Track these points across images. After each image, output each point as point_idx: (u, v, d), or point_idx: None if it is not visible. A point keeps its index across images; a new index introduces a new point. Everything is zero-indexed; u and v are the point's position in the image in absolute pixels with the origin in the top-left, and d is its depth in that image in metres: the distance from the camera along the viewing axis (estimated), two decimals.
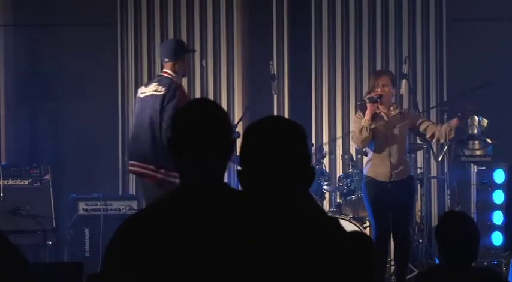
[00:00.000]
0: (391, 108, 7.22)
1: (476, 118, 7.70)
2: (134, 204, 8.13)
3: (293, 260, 2.51)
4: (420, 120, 7.18)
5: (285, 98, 9.04)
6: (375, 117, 7.14)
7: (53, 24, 9.63)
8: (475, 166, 8.16)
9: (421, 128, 7.18)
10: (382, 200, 6.87)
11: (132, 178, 8.82)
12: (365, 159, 7.36)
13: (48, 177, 8.31)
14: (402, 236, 6.84)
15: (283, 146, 2.63)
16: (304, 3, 9.18)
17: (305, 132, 2.71)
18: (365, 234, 2.67)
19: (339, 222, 2.69)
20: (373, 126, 7.09)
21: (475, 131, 7.72)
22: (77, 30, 9.53)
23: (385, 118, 7.14)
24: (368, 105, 7.12)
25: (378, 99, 7.07)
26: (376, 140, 7.07)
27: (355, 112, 9.12)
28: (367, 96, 7.16)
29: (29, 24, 9.74)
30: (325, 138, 9.07)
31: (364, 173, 7.34)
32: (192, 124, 2.58)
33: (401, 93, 8.16)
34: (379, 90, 7.11)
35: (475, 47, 8.86)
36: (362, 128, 7.08)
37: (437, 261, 4.03)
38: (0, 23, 9.82)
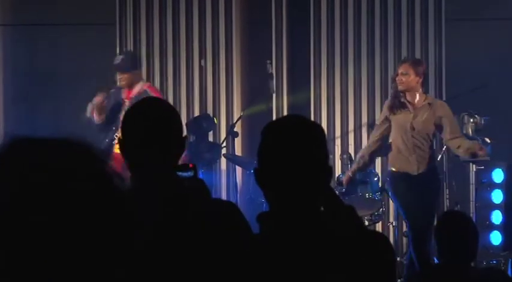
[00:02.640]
0: (418, 97, 7.02)
1: (471, 118, 7.71)
2: None
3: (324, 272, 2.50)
4: (447, 122, 6.93)
5: (284, 98, 9.10)
6: (399, 107, 6.96)
7: (52, 24, 9.65)
8: (474, 166, 8.16)
9: (444, 131, 6.97)
10: (410, 194, 6.72)
11: None
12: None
13: None
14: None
15: (302, 146, 2.61)
16: (303, 2, 9.21)
17: (324, 132, 2.72)
18: (382, 234, 2.62)
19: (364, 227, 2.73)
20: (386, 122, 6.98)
21: (470, 130, 7.73)
22: (76, 30, 9.56)
23: (411, 109, 6.96)
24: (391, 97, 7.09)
25: (400, 95, 6.94)
26: (400, 131, 6.92)
27: (354, 112, 9.17)
28: (394, 90, 7.06)
29: (27, 23, 9.76)
30: None
31: (389, 168, 7.19)
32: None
33: None
34: (397, 80, 6.97)
35: (474, 46, 8.89)
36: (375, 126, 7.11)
37: (435, 260, 4.03)
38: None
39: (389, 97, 7.14)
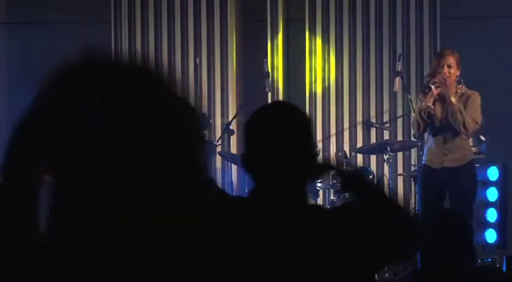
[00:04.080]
0: (457, 90, 6.95)
1: None
2: None
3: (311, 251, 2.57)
4: (468, 110, 6.80)
5: (280, 96, 9.14)
6: (437, 100, 6.85)
7: (46, 22, 9.65)
8: None
9: None
10: (433, 190, 6.66)
11: None
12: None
13: None
14: None
15: (288, 130, 2.69)
16: (298, 1, 9.24)
17: (311, 120, 2.81)
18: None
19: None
20: (431, 111, 6.76)
21: None
22: (70, 28, 9.54)
23: (446, 101, 6.86)
24: (433, 89, 6.78)
25: (442, 84, 6.77)
26: (434, 124, 6.80)
27: (349, 110, 9.14)
28: (433, 81, 6.80)
29: (22, 22, 9.74)
30: (319, 136, 9.09)
31: (422, 162, 7.06)
32: None
33: (394, 90, 8.19)
34: (444, 72, 6.80)
35: (468, 44, 8.90)
36: (420, 111, 6.76)
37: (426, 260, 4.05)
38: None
39: (430, 90, 6.86)
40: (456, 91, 6.92)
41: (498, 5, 8.99)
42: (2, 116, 9.58)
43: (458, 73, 6.92)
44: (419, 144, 7.92)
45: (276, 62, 9.10)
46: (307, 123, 2.77)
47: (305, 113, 2.88)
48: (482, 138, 7.76)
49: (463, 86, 7.03)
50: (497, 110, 8.63)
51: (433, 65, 7.11)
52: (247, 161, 2.72)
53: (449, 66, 6.86)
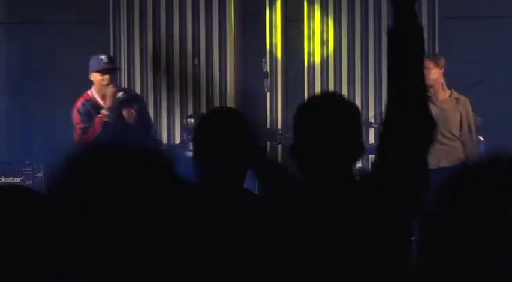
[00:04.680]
0: (443, 90, 7.16)
1: None
2: None
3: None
4: (466, 123, 7.09)
5: (278, 95, 9.24)
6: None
7: (45, 22, 9.69)
8: None
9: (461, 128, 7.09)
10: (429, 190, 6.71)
11: None
12: None
13: (40, 174, 8.38)
14: None
15: (335, 121, 2.77)
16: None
17: (357, 110, 2.86)
18: None
19: None
20: None
21: None
22: (69, 29, 9.62)
23: (436, 102, 7.03)
24: None
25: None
26: None
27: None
28: None
29: (22, 22, 9.78)
30: None
31: None
32: None
33: None
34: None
35: (467, 44, 9.00)
36: None
37: None
38: None
39: None
40: (450, 94, 7.14)
41: (496, 5, 9.10)
42: (2, 116, 9.77)
43: (439, 71, 7.15)
44: None
45: (275, 61, 9.27)
46: (354, 113, 2.82)
47: (352, 103, 2.94)
48: (481, 138, 7.81)
49: (454, 91, 7.28)
50: (497, 111, 8.75)
51: None
52: (295, 152, 2.81)
53: (425, 68, 6.93)
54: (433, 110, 6.67)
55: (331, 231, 2.73)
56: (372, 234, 2.70)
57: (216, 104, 9.37)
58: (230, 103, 9.43)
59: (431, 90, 6.94)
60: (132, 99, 7.96)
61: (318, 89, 9.33)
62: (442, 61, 7.20)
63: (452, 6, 9.21)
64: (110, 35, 9.61)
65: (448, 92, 7.16)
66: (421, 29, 2.80)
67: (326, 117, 2.79)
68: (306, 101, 2.97)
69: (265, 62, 8.55)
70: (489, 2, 9.12)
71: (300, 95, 9.02)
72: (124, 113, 7.77)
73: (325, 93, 3.28)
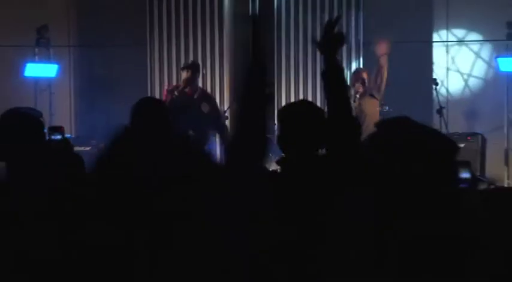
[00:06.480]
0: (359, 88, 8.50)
1: None
2: None
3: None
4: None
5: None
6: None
7: (104, 45, 10.87)
8: None
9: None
10: None
11: None
12: None
13: (102, 145, 7.65)
14: None
15: (306, 119, 3.22)
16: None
17: (323, 112, 3.21)
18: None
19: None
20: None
21: None
22: (121, 49, 10.70)
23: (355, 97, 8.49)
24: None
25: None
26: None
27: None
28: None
29: (88, 45, 11.04)
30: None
31: None
32: None
33: None
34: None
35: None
36: None
37: None
38: (67, 43, 11.06)
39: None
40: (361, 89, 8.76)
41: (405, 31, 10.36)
42: (79, 108, 10.80)
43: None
44: None
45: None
46: (320, 114, 3.22)
47: (319, 107, 3.32)
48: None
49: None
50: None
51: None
52: (280, 140, 3.25)
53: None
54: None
55: (303, 195, 2.96)
56: (331, 197, 2.89)
57: (217, 100, 10.20)
58: (226, 100, 10.73)
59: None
60: (205, 95, 8.70)
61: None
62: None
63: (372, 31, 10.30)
64: (147, 55, 10.84)
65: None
66: (342, 69, 3.12)
67: (300, 117, 3.21)
68: (286, 106, 3.42)
69: None
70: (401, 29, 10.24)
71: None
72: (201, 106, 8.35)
73: (300, 101, 3.92)
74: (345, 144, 2.98)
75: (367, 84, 8.96)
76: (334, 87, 3.05)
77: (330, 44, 3.08)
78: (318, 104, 8.98)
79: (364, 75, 9.01)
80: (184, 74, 8.81)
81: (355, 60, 11.02)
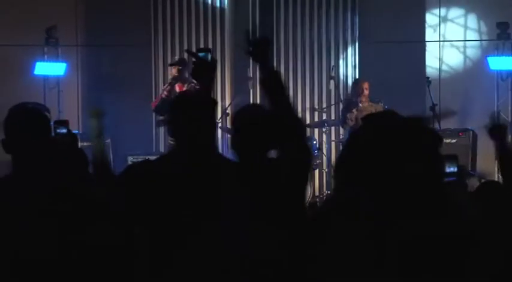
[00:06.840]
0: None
1: None
2: None
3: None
4: None
5: (257, 91, 10.82)
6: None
7: (111, 45, 10.96)
8: None
9: None
10: None
11: None
12: None
13: (108, 140, 9.05)
14: None
15: (256, 123, 3.30)
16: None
17: (273, 117, 3.27)
18: None
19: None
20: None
21: None
22: (125, 49, 10.79)
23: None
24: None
25: None
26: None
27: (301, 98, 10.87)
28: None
29: (97, 45, 11.05)
30: None
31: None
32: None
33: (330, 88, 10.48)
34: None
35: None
36: None
37: None
38: (75, 43, 11.06)
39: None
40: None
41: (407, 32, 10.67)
42: (85, 106, 10.75)
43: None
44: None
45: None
46: (270, 119, 3.26)
47: (267, 110, 3.33)
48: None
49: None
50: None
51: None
52: (232, 141, 3.36)
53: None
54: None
55: (255, 187, 3.08)
56: (274, 187, 3.04)
57: (218, 97, 10.55)
58: (227, 96, 10.99)
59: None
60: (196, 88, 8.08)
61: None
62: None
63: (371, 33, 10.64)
64: (152, 54, 11.01)
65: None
66: (278, 72, 3.25)
67: (251, 120, 3.28)
68: (240, 109, 3.43)
69: (249, 68, 10.52)
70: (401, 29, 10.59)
71: None
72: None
73: (251, 105, 4.00)
74: (292, 142, 3.14)
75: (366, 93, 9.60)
76: (276, 90, 3.21)
77: (259, 50, 3.23)
78: (317, 104, 10.80)
79: (365, 86, 9.63)
80: (172, 71, 9.10)
81: (351, 59, 11.22)
